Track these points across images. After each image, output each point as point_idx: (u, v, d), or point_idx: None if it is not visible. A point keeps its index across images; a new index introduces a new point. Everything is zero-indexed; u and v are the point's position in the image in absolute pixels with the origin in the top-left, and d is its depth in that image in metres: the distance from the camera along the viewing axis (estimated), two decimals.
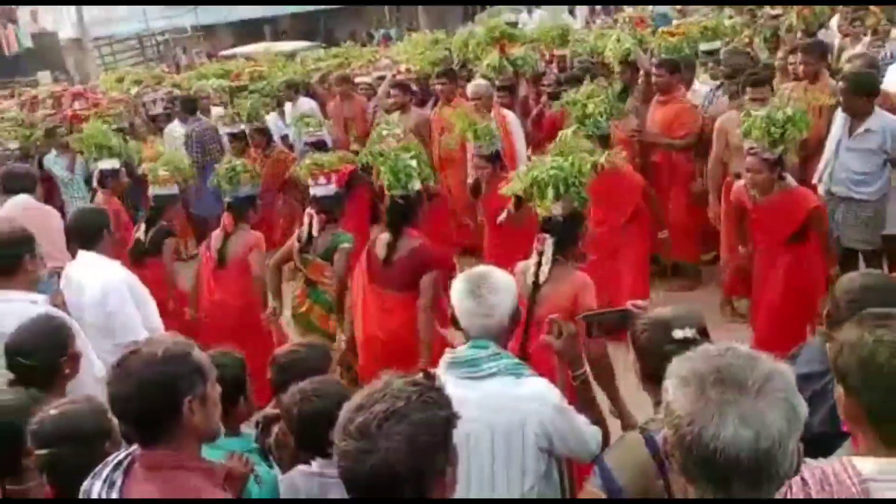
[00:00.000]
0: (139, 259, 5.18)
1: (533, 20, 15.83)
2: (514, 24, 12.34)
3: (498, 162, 5.22)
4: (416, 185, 4.10)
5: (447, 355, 2.37)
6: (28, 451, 2.14)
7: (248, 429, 2.79)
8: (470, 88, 6.52)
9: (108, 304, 3.65)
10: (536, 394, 2.28)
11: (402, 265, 3.98)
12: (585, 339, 2.53)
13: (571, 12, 16.63)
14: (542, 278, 3.20)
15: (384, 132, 5.43)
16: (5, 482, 2.27)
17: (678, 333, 2.01)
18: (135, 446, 1.89)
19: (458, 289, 2.37)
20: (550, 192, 3.39)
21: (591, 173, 3.62)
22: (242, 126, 7.28)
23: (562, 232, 3.32)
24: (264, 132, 7.34)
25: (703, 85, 6.69)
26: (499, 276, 2.40)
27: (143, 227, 5.36)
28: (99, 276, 3.72)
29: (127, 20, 30.72)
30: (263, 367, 2.80)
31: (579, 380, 2.47)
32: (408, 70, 8.84)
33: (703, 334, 2.05)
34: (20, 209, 5.00)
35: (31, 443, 2.13)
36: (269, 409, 2.76)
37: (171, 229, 5.46)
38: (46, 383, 2.68)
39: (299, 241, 4.61)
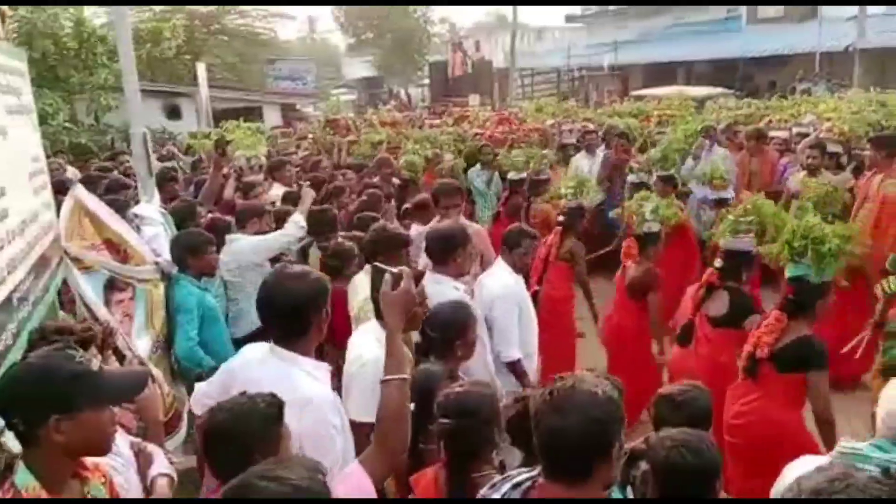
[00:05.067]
0: None
1: None
2: None
3: None
4: None
5: (841, 444, 2.17)
6: (433, 418, 2.47)
7: None
8: None
9: (494, 308, 3.97)
10: None
11: None
12: None
13: None
14: None
15: None
16: (419, 439, 2.65)
17: None
18: (537, 471, 1.89)
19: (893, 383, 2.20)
20: None
21: None
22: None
23: None
24: (671, 180, 7.03)
25: None
26: None
27: None
28: (497, 283, 4.08)
29: (551, 55, 33.50)
30: None
31: None
32: (829, 130, 8.13)
33: None
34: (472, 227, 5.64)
35: (437, 412, 2.46)
36: (639, 443, 2.82)
37: None
38: (441, 356, 3.12)
39: None
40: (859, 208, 6.30)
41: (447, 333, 3.16)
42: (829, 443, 3.40)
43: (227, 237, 4.85)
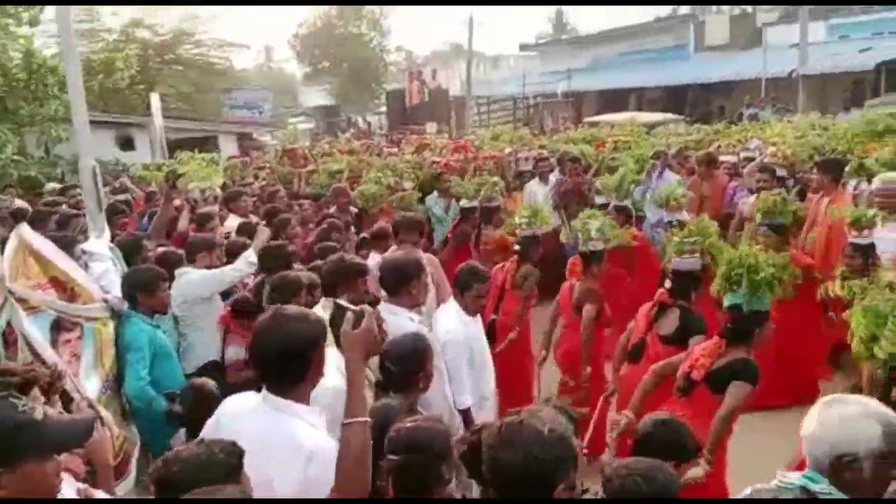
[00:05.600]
0: None
1: None
2: None
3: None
4: None
5: (778, 477, 2.19)
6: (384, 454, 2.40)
7: None
8: (877, 183, 5.86)
9: (445, 353, 3.80)
10: None
11: None
12: None
13: None
14: None
15: None
16: (376, 477, 2.57)
17: None
18: None
19: (814, 408, 2.18)
20: None
21: None
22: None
23: None
24: (623, 210, 7.03)
25: None
26: (845, 409, 2.09)
27: None
28: (446, 328, 3.94)
29: (507, 82, 34.00)
30: None
31: None
32: (773, 154, 8.39)
33: None
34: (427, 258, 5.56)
35: (386, 447, 2.39)
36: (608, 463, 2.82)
37: None
38: (402, 390, 3.09)
39: None
40: (808, 231, 6.48)
41: (408, 367, 3.13)
42: (711, 446, 3.40)
43: (177, 271, 4.77)
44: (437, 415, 2.92)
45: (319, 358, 2.39)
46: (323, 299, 3.86)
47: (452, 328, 3.94)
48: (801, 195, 7.20)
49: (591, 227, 5.30)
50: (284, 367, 2.34)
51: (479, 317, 4.20)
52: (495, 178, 8.04)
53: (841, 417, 2.07)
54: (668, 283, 4.52)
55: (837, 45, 24.41)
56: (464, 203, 7.61)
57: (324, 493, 2.21)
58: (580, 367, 5.06)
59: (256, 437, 2.21)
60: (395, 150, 13.54)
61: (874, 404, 2.12)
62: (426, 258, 5.28)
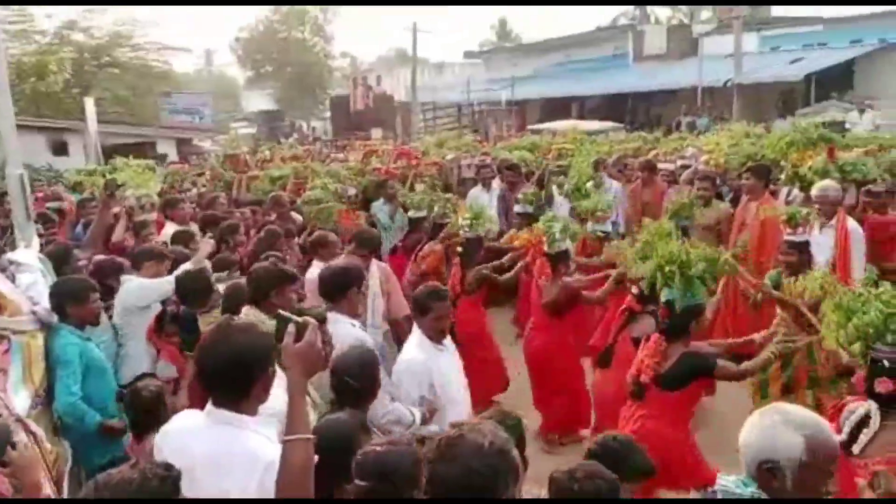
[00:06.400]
0: None
1: (863, 121, 14.56)
2: (840, 124, 11.50)
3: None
4: None
5: (719, 480, 2.24)
6: (350, 478, 2.31)
7: None
8: (816, 190, 6.06)
9: (400, 384, 3.65)
10: None
11: None
12: None
13: None
14: (857, 449, 2.74)
15: None
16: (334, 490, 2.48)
17: None
18: None
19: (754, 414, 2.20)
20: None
21: None
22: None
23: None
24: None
25: None
26: (769, 418, 2.09)
27: None
28: (404, 355, 3.80)
29: (451, 90, 34.16)
30: None
31: None
32: (706, 162, 8.65)
33: None
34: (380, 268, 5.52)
35: (354, 472, 2.30)
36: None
37: None
38: (358, 404, 3.05)
39: None
40: (738, 234, 6.68)
41: (366, 380, 3.10)
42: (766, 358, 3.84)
43: (122, 278, 4.66)
44: (407, 438, 2.87)
45: (264, 373, 2.30)
46: (245, 307, 3.76)
47: (409, 358, 3.72)
48: (735, 202, 7.42)
49: (555, 228, 5.38)
50: (228, 381, 2.26)
51: (449, 344, 3.86)
52: (449, 195, 8.04)
53: (763, 426, 2.09)
54: (634, 290, 4.52)
55: (769, 56, 25.34)
56: (412, 213, 7.58)
57: None
58: (554, 363, 5.26)
59: (208, 453, 2.15)
60: (341, 155, 13.44)
61: (800, 413, 2.13)
62: (377, 266, 5.27)
